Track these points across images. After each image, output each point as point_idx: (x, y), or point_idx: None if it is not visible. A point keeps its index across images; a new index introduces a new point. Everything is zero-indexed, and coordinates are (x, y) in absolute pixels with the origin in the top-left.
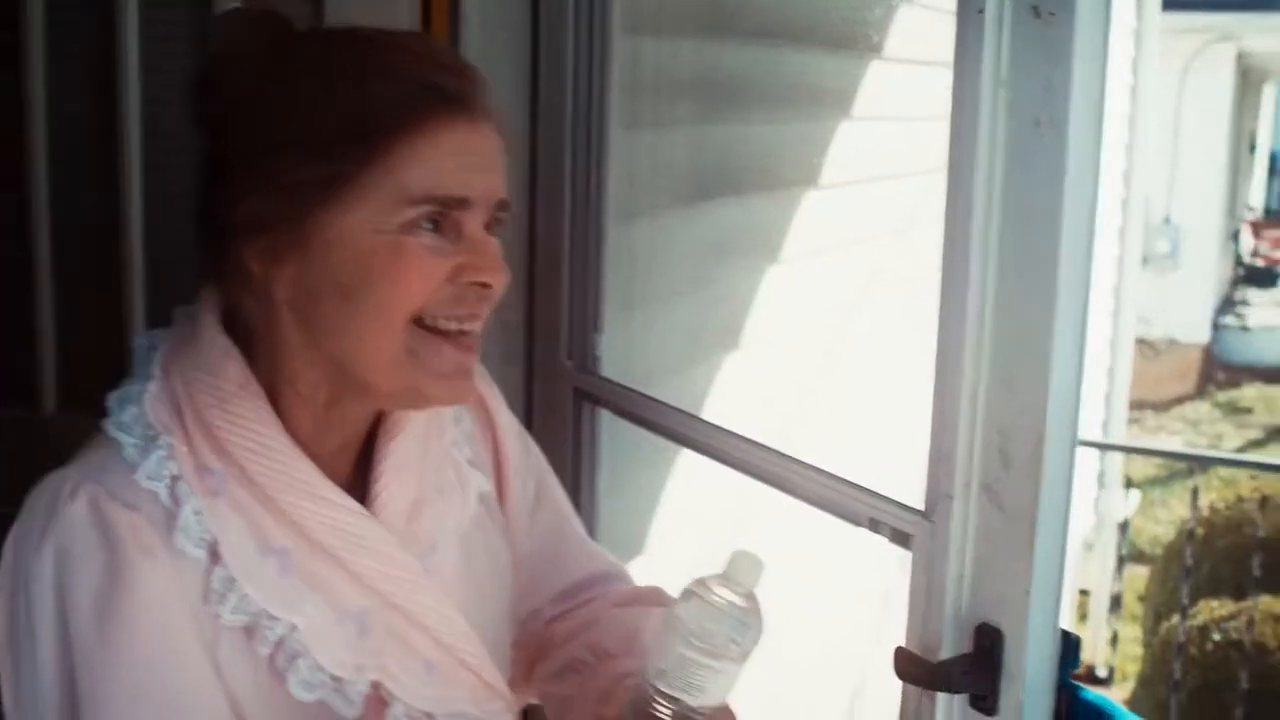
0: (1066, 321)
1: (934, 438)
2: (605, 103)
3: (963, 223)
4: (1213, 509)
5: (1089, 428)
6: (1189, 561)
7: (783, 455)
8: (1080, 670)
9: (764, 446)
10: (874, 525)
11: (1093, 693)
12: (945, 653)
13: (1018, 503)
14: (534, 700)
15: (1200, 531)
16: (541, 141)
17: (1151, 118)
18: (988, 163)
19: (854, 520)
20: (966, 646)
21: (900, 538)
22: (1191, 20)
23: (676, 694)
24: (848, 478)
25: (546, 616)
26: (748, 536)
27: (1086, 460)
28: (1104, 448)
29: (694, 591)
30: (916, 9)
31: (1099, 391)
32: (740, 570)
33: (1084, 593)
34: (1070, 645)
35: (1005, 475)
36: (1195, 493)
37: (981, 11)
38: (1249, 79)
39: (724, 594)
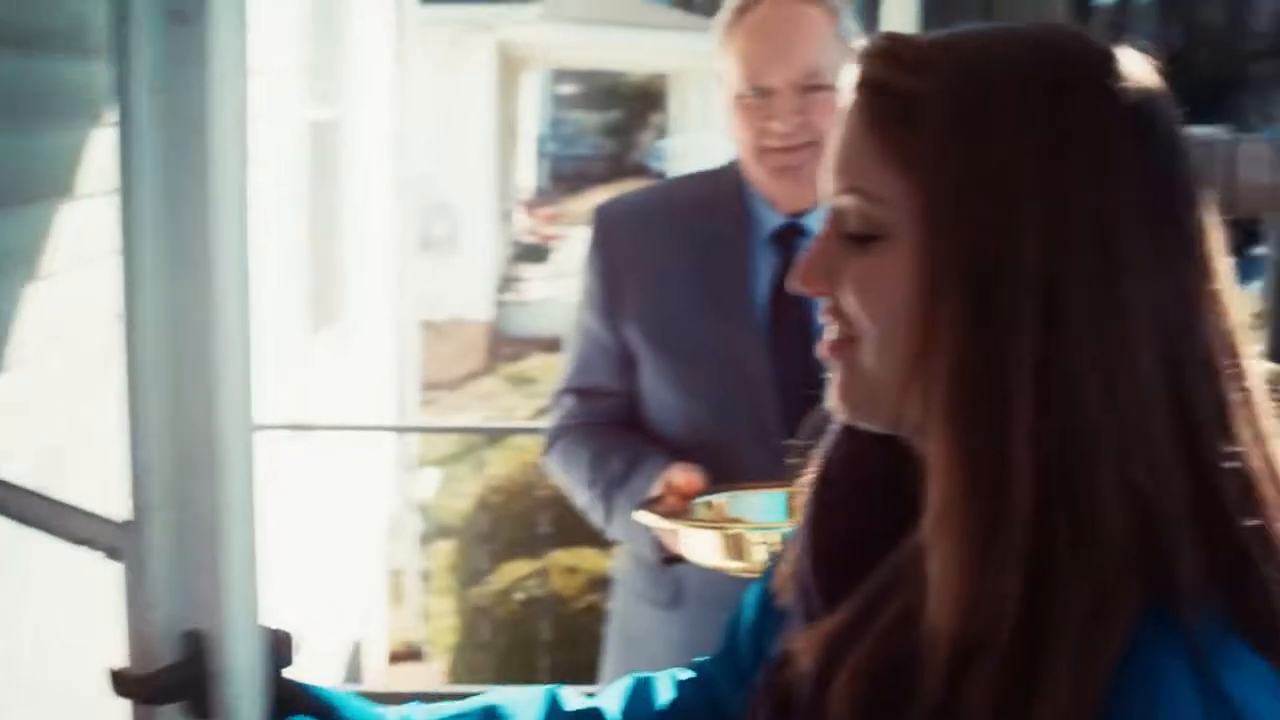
0: (228, 320)
1: (131, 446)
2: None
3: (134, 223)
4: (507, 477)
5: (384, 412)
6: (485, 529)
7: None
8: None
9: None
10: (88, 542)
11: (315, 686)
12: (161, 665)
13: (204, 505)
14: None
15: (497, 500)
16: None
17: (420, 107)
18: (152, 165)
19: (66, 537)
20: (179, 656)
21: (113, 552)
22: (452, 12)
23: None
24: (51, 494)
25: None
26: None
27: (385, 444)
28: (399, 430)
29: None
30: None
31: (390, 376)
32: None
33: (395, 574)
34: (282, 641)
35: (192, 480)
36: (482, 463)
37: (125, 18)
38: (509, 67)
39: None
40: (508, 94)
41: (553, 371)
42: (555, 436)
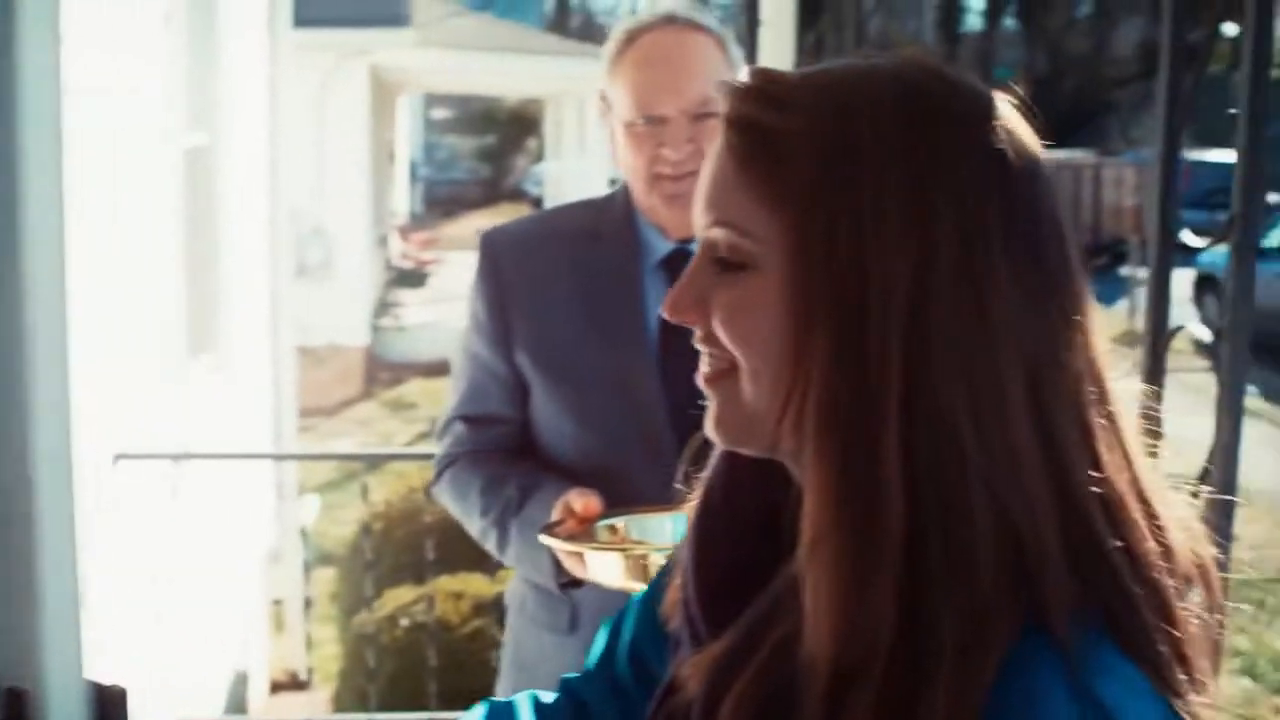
0: (41, 354)
1: None
2: None
3: None
4: (388, 503)
5: (262, 439)
6: (369, 556)
7: None
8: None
9: None
10: None
11: None
12: None
13: (20, 557)
14: None
15: (379, 526)
16: None
17: (294, 132)
18: None
19: None
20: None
21: None
22: (326, 36)
23: None
24: None
25: None
26: None
27: (264, 471)
28: (278, 458)
29: None
30: None
31: (268, 402)
32: None
33: (277, 602)
34: (112, 698)
35: (6, 527)
36: (365, 489)
37: None
38: (383, 92)
39: None
40: (382, 119)
41: (431, 396)
42: (445, 464)
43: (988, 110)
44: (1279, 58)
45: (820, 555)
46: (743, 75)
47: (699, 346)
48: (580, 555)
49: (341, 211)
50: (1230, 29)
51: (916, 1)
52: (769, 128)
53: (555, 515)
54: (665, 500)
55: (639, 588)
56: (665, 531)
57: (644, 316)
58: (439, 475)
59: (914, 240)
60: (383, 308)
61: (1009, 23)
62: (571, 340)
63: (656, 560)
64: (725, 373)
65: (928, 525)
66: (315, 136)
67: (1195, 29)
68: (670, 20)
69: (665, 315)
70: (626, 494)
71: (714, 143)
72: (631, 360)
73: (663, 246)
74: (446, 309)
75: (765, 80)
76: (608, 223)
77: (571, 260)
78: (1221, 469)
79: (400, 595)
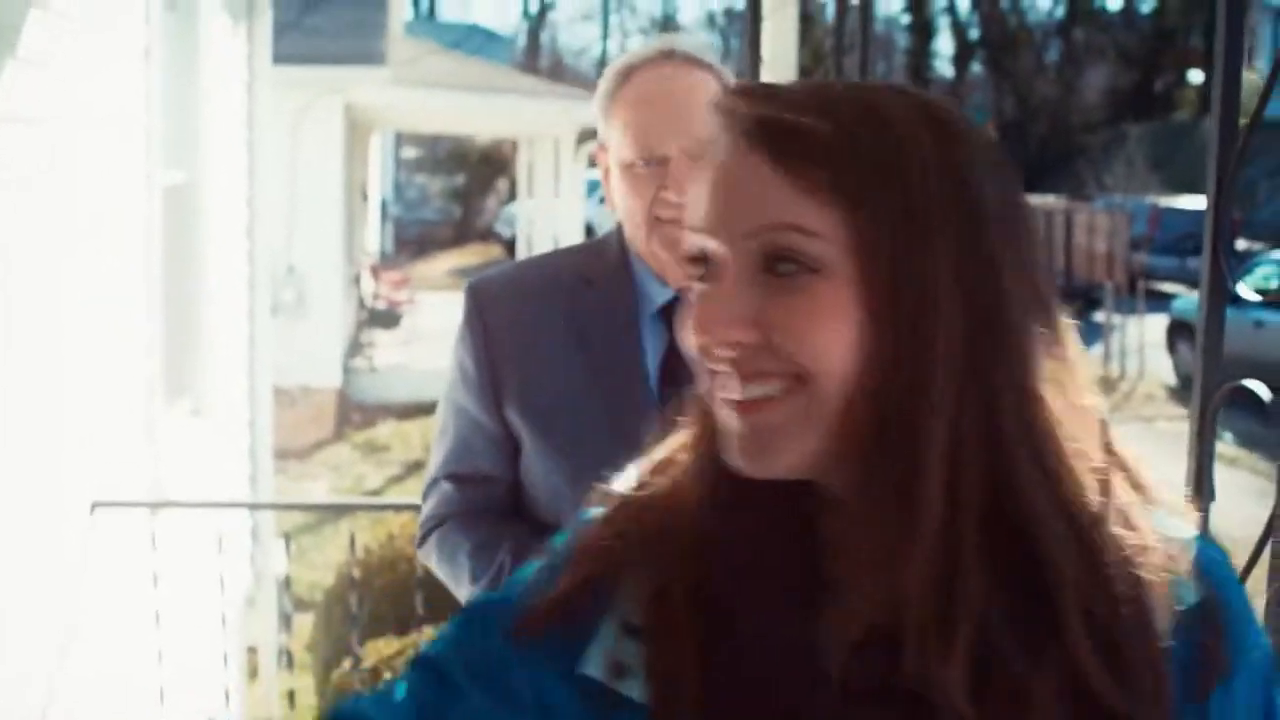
0: (19, 404)
1: None
2: None
3: None
4: (368, 550)
5: (237, 484)
6: (354, 607)
7: None
8: None
9: None
10: None
11: None
12: None
13: None
14: None
15: (358, 573)
16: None
17: (269, 170)
18: None
19: None
20: None
21: None
22: (302, 74)
23: None
24: None
25: None
26: None
27: (239, 518)
28: (253, 507)
29: None
30: None
31: (244, 447)
32: None
33: (252, 650)
34: None
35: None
36: (353, 540)
37: None
38: (357, 130)
39: None
40: (355, 157)
41: (404, 439)
42: (432, 526)
43: (988, 134)
44: (1247, 106)
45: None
46: (739, 85)
47: (731, 368)
48: None
49: (314, 250)
50: (1196, 76)
51: (886, 46)
52: (799, 127)
53: None
54: None
55: None
56: None
57: (643, 368)
58: (425, 537)
59: (954, 244)
60: (355, 348)
61: (977, 68)
62: (566, 393)
63: None
64: (790, 389)
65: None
66: (289, 174)
67: (1160, 76)
68: (668, 55)
69: (704, 339)
70: None
71: (717, 153)
72: (632, 414)
73: (661, 294)
74: (420, 350)
75: (772, 88)
76: (601, 269)
77: (564, 309)
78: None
79: (382, 647)
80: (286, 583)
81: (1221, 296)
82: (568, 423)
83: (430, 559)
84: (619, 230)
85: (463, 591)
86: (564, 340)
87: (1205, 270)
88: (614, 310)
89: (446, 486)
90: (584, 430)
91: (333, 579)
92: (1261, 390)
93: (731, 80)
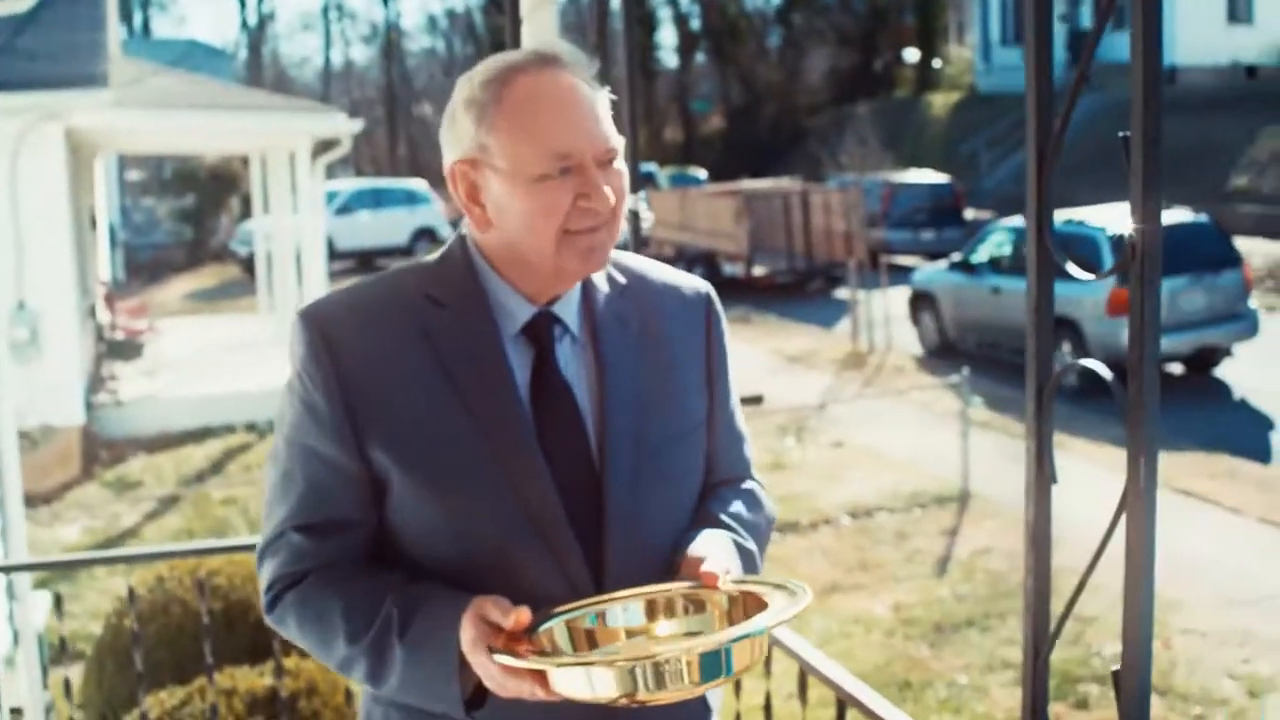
0: None
1: None
2: None
3: None
4: (136, 595)
5: None
6: (138, 664)
7: None
8: None
9: None
10: None
11: None
12: None
13: None
14: None
15: (126, 622)
16: None
17: None
18: None
19: None
20: None
21: None
22: (14, 100)
23: None
24: None
25: None
26: None
27: None
28: (8, 570)
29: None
30: None
31: None
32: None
33: (16, 711)
34: None
35: None
36: (131, 593)
37: None
38: (81, 154)
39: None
40: (81, 183)
41: (158, 473)
42: (285, 585)
43: None
44: (959, 80)
45: None
46: None
47: None
48: (539, 672)
49: (45, 284)
50: (911, 55)
51: (609, 40)
52: None
53: (468, 631)
54: (567, 588)
55: (623, 700)
56: (628, 621)
57: (514, 390)
58: (276, 599)
59: None
60: (97, 382)
61: (701, 58)
62: (435, 424)
63: (695, 656)
64: None
65: None
66: (10, 205)
67: (878, 57)
68: (549, 60)
69: None
70: (523, 594)
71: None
72: (508, 441)
73: (522, 311)
74: (166, 379)
75: None
76: (450, 287)
77: (418, 332)
78: (1139, 518)
79: (165, 698)
80: (44, 637)
81: (1049, 279)
82: (440, 455)
83: (286, 624)
84: (461, 245)
85: (332, 654)
86: (424, 366)
87: (1032, 254)
88: (473, 331)
89: (298, 539)
90: (459, 461)
91: (100, 628)
92: (1103, 370)
93: (594, 74)
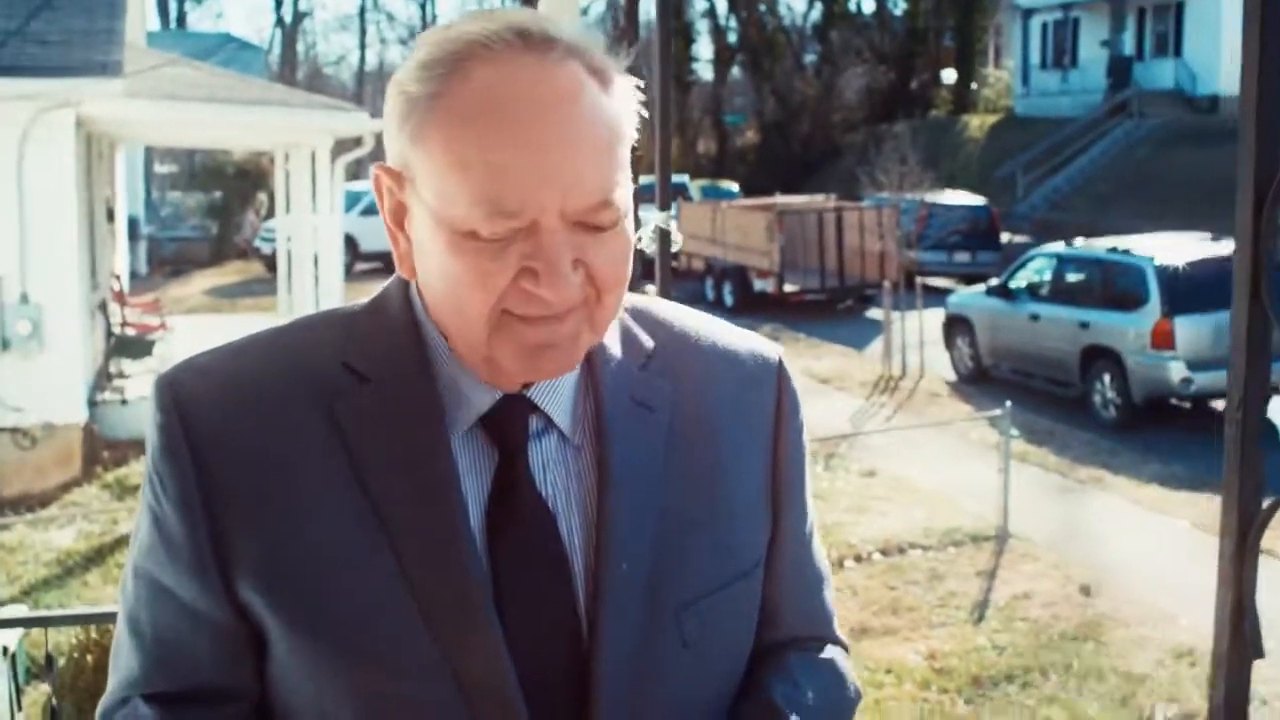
0: None
1: None
2: None
3: None
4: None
5: None
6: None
7: None
8: None
9: None
10: None
11: None
12: None
13: None
14: None
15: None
16: None
17: None
18: None
19: None
20: None
21: None
22: (22, 86)
23: None
24: None
25: None
26: None
27: None
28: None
29: None
30: None
31: None
32: None
33: None
34: None
35: None
36: (50, 660)
37: None
38: (98, 145)
39: None
40: (97, 175)
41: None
42: None
43: None
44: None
45: None
46: None
47: None
48: None
49: (51, 277)
50: (949, 76)
51: (647, 51)
52: None
53: None
54: None
55: None
56: None
57: (460, 513)
58: None
59: None
60: (103, 380)
61: (736, 72)
62: (339, 558)
63: None
64: None
65: None
66: (16, 196)
67: (915, 76)
68: (523, 36)
69: None
70: None
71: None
72: (449, 595)
73: (482, 396)
74: None
75: None
76: (376, 351)
77: (327, 417)
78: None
79: None
80: (48, 659)
81: (1266, 360)
82: (343, 608)
83: None
84: (404, 291)
85: None
86: (329, 471)
87: (1240, 326)
88: (408, 420)
89: (146, 713)
90: (371, 620)
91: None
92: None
93: (613, 69)
